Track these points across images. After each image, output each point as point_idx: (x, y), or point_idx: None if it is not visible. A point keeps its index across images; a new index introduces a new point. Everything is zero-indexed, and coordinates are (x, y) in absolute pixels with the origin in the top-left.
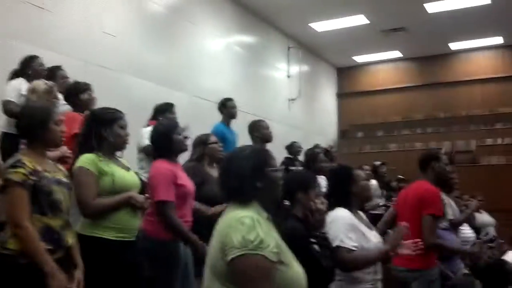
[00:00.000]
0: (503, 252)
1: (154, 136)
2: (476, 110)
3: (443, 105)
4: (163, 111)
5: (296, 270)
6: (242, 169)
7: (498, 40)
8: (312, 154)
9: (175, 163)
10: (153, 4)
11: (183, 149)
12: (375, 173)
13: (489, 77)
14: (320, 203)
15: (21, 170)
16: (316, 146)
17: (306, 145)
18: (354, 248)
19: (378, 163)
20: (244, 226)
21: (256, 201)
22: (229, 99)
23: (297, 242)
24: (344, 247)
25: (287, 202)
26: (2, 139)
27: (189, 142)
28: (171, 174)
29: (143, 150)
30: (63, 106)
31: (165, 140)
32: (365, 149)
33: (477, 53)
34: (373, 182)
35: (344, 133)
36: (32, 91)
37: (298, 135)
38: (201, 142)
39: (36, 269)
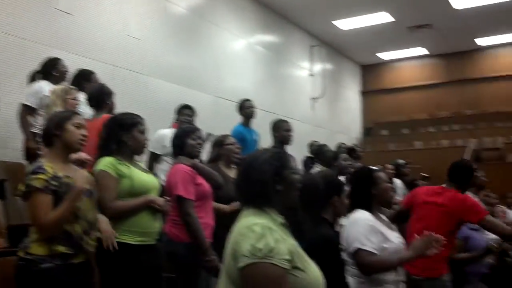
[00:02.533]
0: None
1: (172, 139)
2: (503, 107)
3: (469, 102)
4: (179, 113)
5: (313, 275)
6: (264, 173)
7: None
8: (333, 154)
9: None
10: (176, 6)
11: (195, 154)
12: (398, 172)
13: None
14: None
15: (42, 176)
16: (340, 145)
17: (330, 144)
18: (374, 251)
19: (401, 162)
20: (254, 233)
21: (274, 206)
22: (246, 100)
23: (330, 249)
24: (365, 250)
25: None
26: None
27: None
28: (190, 174)
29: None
30: (86, 109)
31: (179, 143)
32: (390, 147)
33: (504, 49)
34: (397, 181)
35: (368, 131)
36: (52, 92)
37: (322, 134)
38: (218, 143)
39: (58, 273)
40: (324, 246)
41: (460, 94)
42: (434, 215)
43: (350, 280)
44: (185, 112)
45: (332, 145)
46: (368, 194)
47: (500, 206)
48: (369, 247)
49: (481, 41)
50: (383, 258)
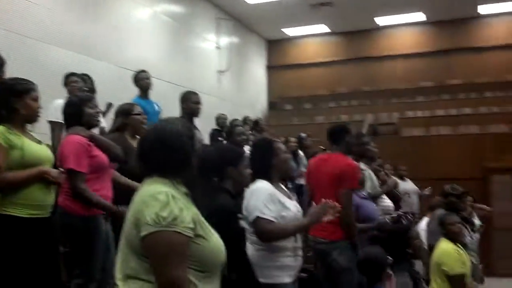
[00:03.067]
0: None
1: (65, 108)
2: (398, 84)
3: (368, 79)
4: (66, 83)
5: (215, 243)
6: (181, 143)
7: (421, 16)
8: (229, 127)
9: None
10: None
11: (93, 123)
12: (300, 144)
13: (411, 52)
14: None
15: None
16: (245, 119)
17: (236, 117)
18: (273, 219)
19: (303, 135)
20: (158, 202)
21: (180, 175)
22: (141, 71)
23: (225, 218)
24: (264, 218)
25: None
26: None
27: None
28: (84, 145)
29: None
30: None
31: (75, 112)
32: (293, 121)
33: (401, 28)
34: (301, 153)
35: (273, 105)
36: None
37: (228, 107)
38: (124, 112)
39: None
40: (220, 215)
41: (359, 71)
42: (326, 182)
43: (250, 247)
44: (71, 80)
45: (238, 118)
46: (268, 165)
47: (392, 177)
48: (268, 215)
49: (380, 21)
50: (281, 226)
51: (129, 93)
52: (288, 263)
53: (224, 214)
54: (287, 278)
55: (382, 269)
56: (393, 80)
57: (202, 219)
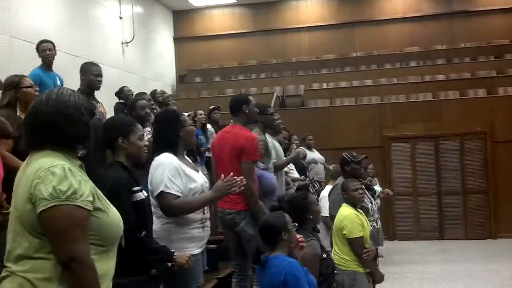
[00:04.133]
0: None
1: None
2: (304, 57)
3: (275, 52)
4: None
5: (112, 215)
6: (77, 115)
7: None
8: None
9: None
10: None
11: None
12: (209, 117)
13: (315, 25)
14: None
15: None
16: (153, 92)
17: (143, 90)
18: (178, 194)
19: (211, 107)
20: (55, 176)
21: (75, 148)
22: (42, 41)
23: (116, 192)
24: (169, 193)
25: None
26: None
27: None
28: None
29: None
30: None
31: None
32: (203, 94)
33: (305, 1)
34: (209, 127)
35: (182, 78)
36: None
37: (135, 80)
38: (13, 85)
39: None
40: (111, 188)
41: (267, 44)
42: (228, 154)
43: (156, 221)
44: None
45: (146, 91)
46: (173, 136)
47: (301, 148)
48: (173, 190)
49: None
50: (187, 200)
51: (23, 65)
52: (196, 234)
53: (115, 187)
54: (195, 249)
55: (277, 233)
56: (299, 53)
57: (100, 192)
